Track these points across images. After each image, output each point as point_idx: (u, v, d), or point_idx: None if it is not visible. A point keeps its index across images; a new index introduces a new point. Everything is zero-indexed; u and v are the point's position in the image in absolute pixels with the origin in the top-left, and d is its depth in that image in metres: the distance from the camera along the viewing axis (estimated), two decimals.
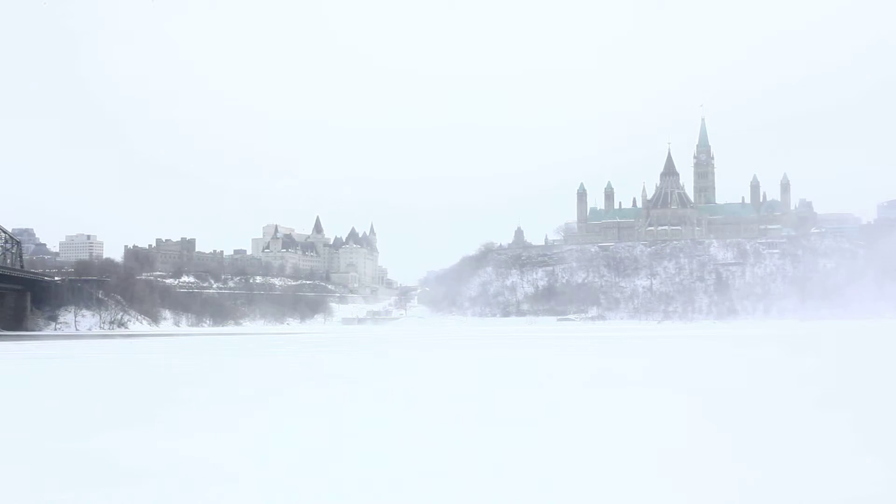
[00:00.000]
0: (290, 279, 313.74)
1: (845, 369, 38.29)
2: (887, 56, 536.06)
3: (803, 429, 17.60)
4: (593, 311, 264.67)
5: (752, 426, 18.01)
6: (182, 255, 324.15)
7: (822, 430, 17.30)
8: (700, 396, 25.19)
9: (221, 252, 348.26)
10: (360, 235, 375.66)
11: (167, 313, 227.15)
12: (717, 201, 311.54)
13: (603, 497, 11.24)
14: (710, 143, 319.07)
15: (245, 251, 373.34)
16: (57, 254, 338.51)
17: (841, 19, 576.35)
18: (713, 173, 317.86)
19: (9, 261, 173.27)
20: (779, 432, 17.05)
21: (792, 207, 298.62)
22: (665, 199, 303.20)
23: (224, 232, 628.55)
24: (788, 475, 12.49)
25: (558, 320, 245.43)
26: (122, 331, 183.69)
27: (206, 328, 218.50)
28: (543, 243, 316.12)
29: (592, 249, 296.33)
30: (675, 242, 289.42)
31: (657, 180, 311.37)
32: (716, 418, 19.89)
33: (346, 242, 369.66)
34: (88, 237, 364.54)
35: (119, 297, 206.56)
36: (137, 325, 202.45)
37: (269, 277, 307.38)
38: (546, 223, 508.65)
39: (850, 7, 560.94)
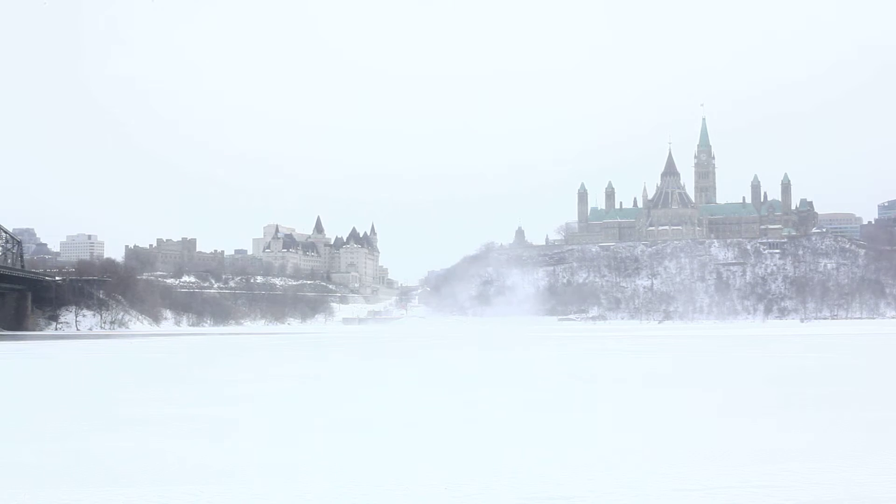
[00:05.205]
0: (290, 279, 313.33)
1: (850, 370, 38.30)
2: (886, 54, 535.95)
3: (804, 426, 17.61)
4: (594, 311, 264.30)
5: (770, 424, 18.02)
6: (183, 254, 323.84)
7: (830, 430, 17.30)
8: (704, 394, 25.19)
9: (222, 252, 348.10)
10: (361, 235, 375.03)
11: (168, 313, 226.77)
12: (717, 201, 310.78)
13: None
14: (710, 143, 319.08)
15: (246, 251, 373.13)
16: (58, 254, 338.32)
17: (839, 18, 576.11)
18: (714, 173, 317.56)
19: (10, 261, 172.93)
20: (783, 429, 17.05)
21: (793, 207, 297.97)
22: (666, 199, 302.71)
23: (225, 232, 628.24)
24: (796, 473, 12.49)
25: (559, 320, 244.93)
26: (122, 331, 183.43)
27: (207, 328, 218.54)
28: (544, 243, 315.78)
29: (593, 249, 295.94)
30: (675, 242, 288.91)
31: (658, 180, 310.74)
32: (731, 416, 19.88)
33: (347, 242, 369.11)
34: (89, 237, 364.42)
35: (120, 296, 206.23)
36: (138, 324, 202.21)
37: (269, 277, 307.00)
38: (547, 223, 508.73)
39: (847, 5, 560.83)
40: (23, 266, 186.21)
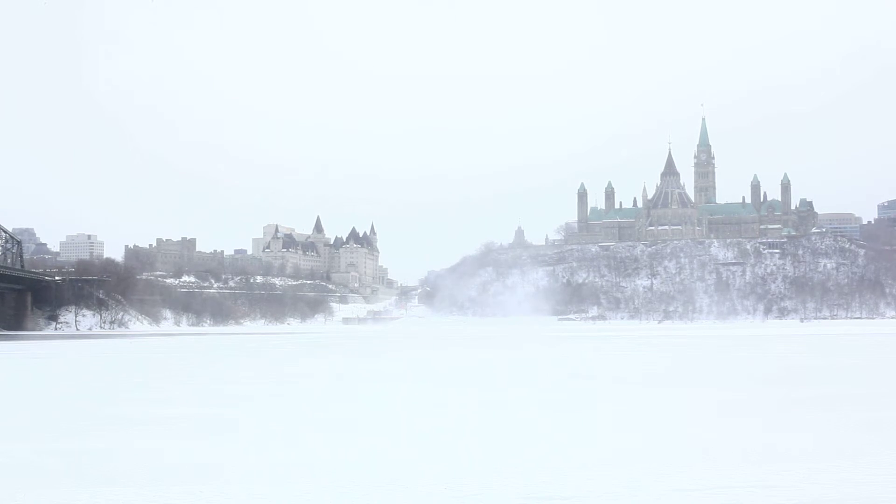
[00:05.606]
0: (290, 279, 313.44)
1: (850, 370, 38.32)
2: (886, 54, 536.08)
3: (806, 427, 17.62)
4: (594, 311, 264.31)
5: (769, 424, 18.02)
6: (182, 254, 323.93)
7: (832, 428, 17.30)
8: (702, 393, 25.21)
9: (222, 252, 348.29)
10: (361, 235, 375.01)
11: (167, 313, 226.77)
12: (717, 201, 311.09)
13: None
14: (710, 143, 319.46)
15: (245, 251, 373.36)
16: (57, 253, 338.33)
17: (839, 18, 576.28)
18: (714, 173, 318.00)
19: (9, 261, 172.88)
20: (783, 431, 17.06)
21: (792, 207, 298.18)
22: (665, 199, 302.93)
23: (224, 232, 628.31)
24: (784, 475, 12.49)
25: (559, 320, 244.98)
26: (122, 331, 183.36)
27: (207, 328, 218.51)
28: (544, 243, 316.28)
29: (593, 249, 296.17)
30: (675, 242, 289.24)
31: (658, 180, 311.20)
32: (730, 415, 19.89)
33: (347, 242, 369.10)
34: (89, 237, 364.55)
35: (119, 296, 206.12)
36: (138, 324, 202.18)
37: (269, 277, 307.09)
38: (547, 223, 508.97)
39: (847, 5, 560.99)
40: (23, 266, 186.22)
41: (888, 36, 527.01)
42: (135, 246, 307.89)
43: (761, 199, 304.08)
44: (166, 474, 13.27)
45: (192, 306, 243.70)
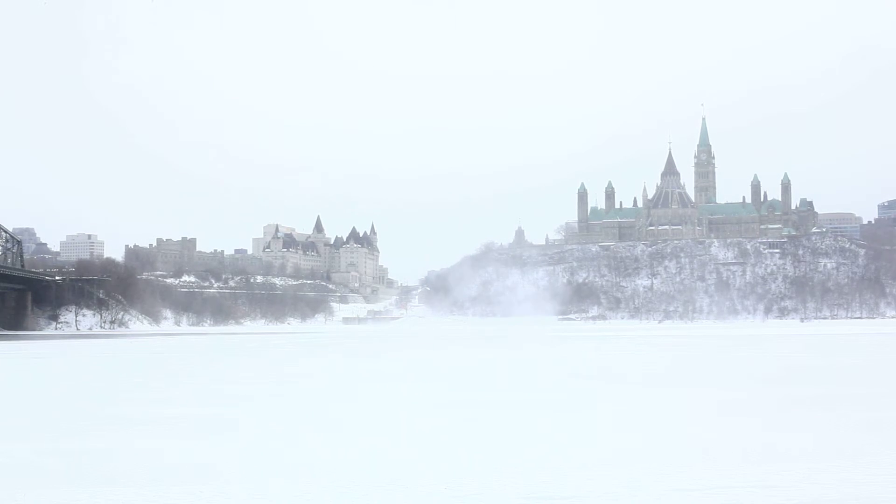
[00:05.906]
0: (290, 279, 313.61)
1: (850, 370, 38.34)
2: (886, 54, 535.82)
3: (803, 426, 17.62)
4: (594, 311, 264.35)
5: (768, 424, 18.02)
6: (183, 254, 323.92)
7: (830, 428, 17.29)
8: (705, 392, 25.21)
9: (222, 252, 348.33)
10: (361, 235, 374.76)
11: (168, 313, 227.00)
12: (717, 201, 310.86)
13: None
14: (710, 143, 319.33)
15: (246, 251, 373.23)
16: (58, 253, 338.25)
17: (839, 18, 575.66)
18: (714, 173, 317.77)
19: (9, 260, 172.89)
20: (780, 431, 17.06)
21: (792, 207, 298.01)
22: (666, 199, 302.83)
23: (225, 231, 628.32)
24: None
25: (559, 320, 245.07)
26: (122, 330, 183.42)
27: (207, 328, 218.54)
28: (544, 243, 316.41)
29: (593, 249, 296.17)
30: (675, 242, 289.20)
31: (658, 180, 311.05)
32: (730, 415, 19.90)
33: (347, 242, 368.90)
34: (89, 237, 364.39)
35: (120, 296, 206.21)
36: (138, 324, 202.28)
37: (269, 277, 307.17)
38: (547, 223, 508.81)
39: (847, 5, 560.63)
40: (23, 266, 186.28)
41: (888, 36, 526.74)
42: (135, 246, 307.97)
43: (761, 199, 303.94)
44: (166, 474, 13.27)
45: (193, 306, 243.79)
